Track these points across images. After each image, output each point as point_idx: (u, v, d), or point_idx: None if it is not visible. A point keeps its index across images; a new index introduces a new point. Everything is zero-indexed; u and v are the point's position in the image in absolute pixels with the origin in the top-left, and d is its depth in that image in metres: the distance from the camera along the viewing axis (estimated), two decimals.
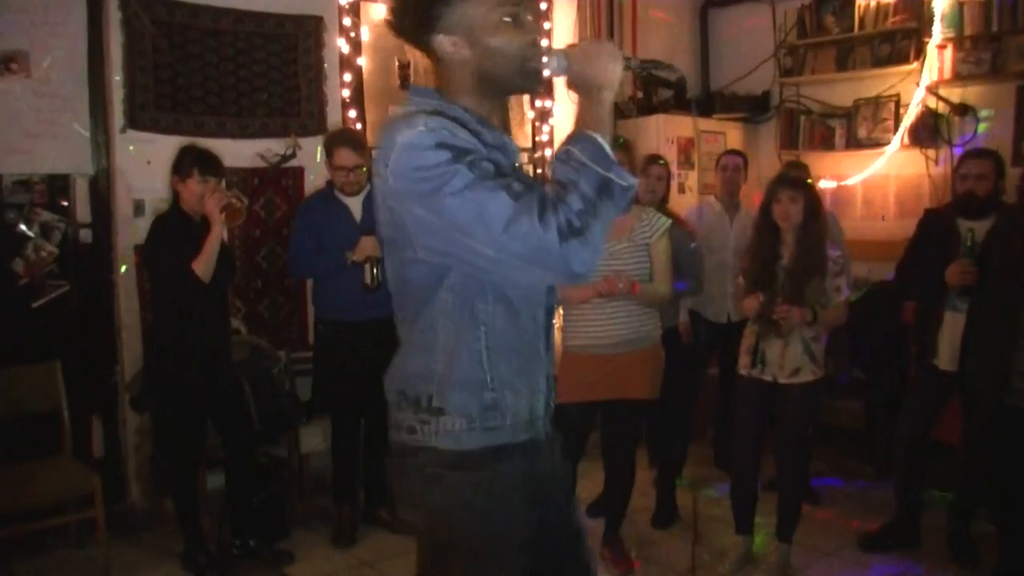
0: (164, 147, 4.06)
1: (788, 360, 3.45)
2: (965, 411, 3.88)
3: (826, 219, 3.68)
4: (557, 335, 4.87)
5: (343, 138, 4.02)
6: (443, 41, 1.65)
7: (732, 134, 6.17)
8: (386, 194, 1.60)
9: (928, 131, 5.45)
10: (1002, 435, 3.30)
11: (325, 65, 4.77)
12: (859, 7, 5.70)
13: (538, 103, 5.62)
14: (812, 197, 3.50)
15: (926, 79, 5.38)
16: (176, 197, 3.64)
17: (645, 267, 3.53)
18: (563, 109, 5.79)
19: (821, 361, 3.50)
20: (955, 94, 5.35)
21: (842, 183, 5.83)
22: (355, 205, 3.96)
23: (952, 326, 3.67)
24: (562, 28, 5.76)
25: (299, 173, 4.73)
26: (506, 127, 1.78)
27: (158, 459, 4.12)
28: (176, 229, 3.58)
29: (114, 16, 4.14)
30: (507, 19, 1.64)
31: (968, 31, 5.21)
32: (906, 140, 5.54)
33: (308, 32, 4.72)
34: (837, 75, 5.86)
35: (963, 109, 5.32)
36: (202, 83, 4.43)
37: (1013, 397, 3.20)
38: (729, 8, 6.53)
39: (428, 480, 1.70)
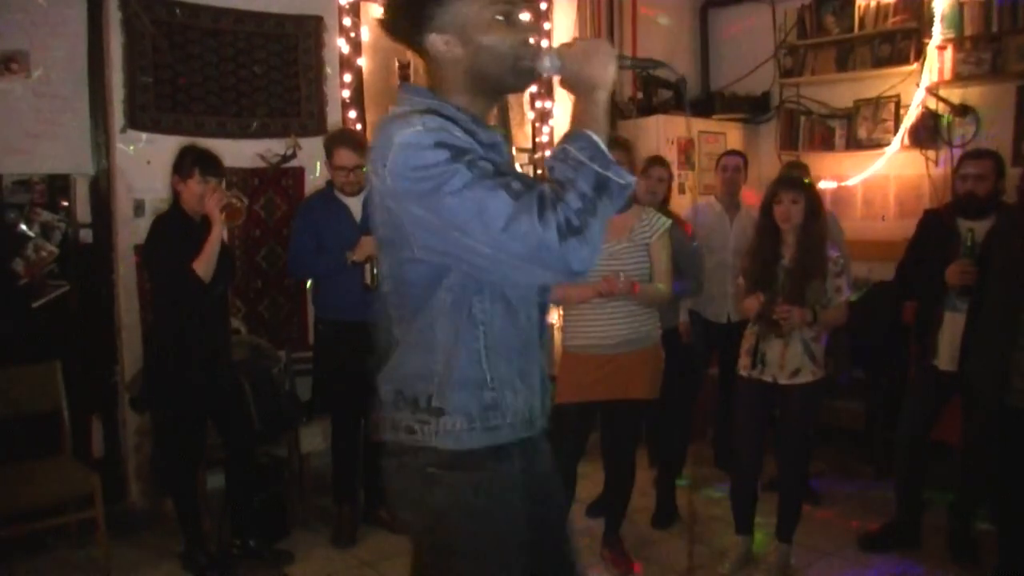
0: (164, 147, 4.07)
1: (788, 360, 3.45)
2: (965, 411, 3.89)
3: (827, 220, 3.68)
4: (557, 335, 4.88)
5: (343, 138, 4.02)
6: (435, 40, 1.64)
7: (732, 134, 6.17)
8: (383, 193, 1.59)
9: (928, 132, 5.46)
10: (1002, 435, 3.30)
11: (325, 65, 4.78)
12: (859, 7, 5.71)
13: (538, 103, 5.62)
14: (813, 198, 3.50)
15: (926, 80, 5.39)
16: (176, 197, 3.63)
17: (645, 267, 3.53)
18: (563, 110, 5.79)
19: (821, 361, 3.49)
20: (955, 95, 5.36)
21: (842, 184, 5.84)
22: (355, 205, 3.96)
23: (952, 326, 3.67)
24: (562, 28, 5.76)
25: (299, 173, 4.73)
26: (506, 125, 1.79)
27: (158, 459, 4.12)
28: (176, 229, 3.58)
29: (114, 16, 4.14)
30: (500, 17, 1.64)
31: (968, 31, 5.22)
32: (906, 141, 5.55)
33: (308, 32, 4.72)
34: (837, 75, 5.87)
35: (963, 110, 5.32)
36: (202, 83, 4.43)
37: (1013, 397, 3.19)
38: (729, 8, 6.53)
39: (427, 480, 1.70)
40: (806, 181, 3.65)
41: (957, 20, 5.24)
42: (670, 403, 3.95)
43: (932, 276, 3.67)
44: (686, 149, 5.90)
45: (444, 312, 1.65)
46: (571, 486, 3.69)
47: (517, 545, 1.78)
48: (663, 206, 4.03)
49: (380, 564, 3.82)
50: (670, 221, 3.66)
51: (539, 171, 5.44)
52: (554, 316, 5.37)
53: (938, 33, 5.30)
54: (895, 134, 5.59)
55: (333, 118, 4.79)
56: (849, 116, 5.86)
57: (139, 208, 4.26)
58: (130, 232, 4.22)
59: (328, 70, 4.78)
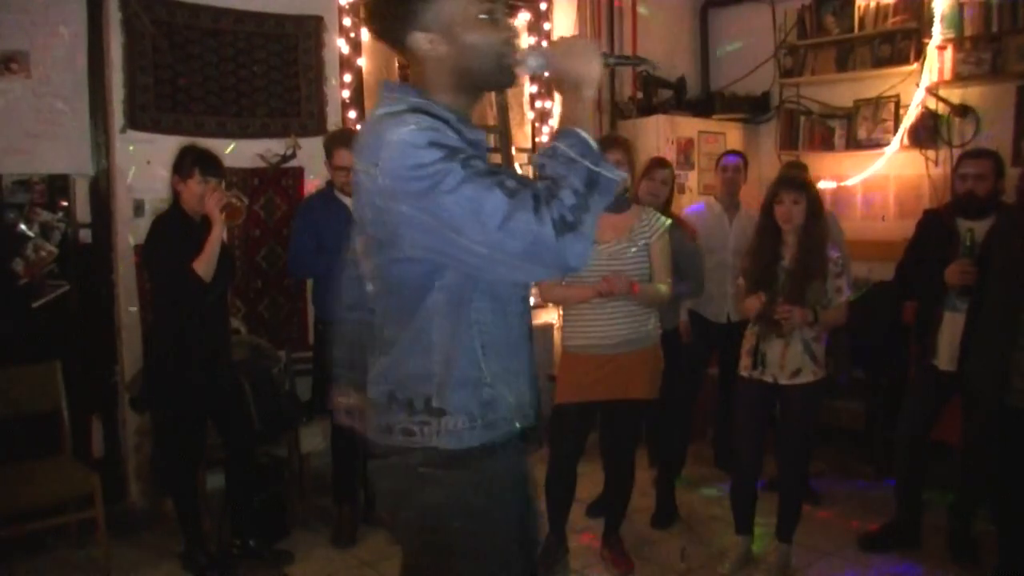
0: (164, 147, 4.06)
1: (789, 361, 3.45)
2: (965, 411, 3.89)
3: (827, 220, 3.68)
4: (557, 335, 4.87)
5: (343, 138, 4.02)
6: (420, 38, 1.64)
7: (732, 134, 6.18)
8: (373, 192, 1.58)
9: (928, 132, 5.46)
10: (1002, 435, 3.30)
11: (325, 65, 4.78)
12: (859, 7, 5.71)
13: (538, 103, 5.63)
14: (814, 198, 3.50)
15: (926, 80, 5.39)
16: (176, 197, 3.63)
17: (645, 267, 3.52)
18: None
19: (822, 361, 3.49)
20: (955, 95, 5.36)
21: (842, 184, 5.84)
22: None
23: (951, 326, 3.67)
24: (562, 28, 5.76)
25: (299, 173, 4.73)
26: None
27: (158, 459, 4.12)
28: (176, 229, 3.58)
29: (114, 16, 4.14)
30: (483, 16, 1.64)
31: (968, 32, 5.22)
32: (906, 141, 5.55)
33: (308, 32, 4.72)
34: (837, 76, 5.87)
35: (963, 110, 5.32)
36: (202, 83, 4.43)
37: (1013, 397, 3.19)
38: (729, 8, 6.54)
39: (420, 480, 1.69)
40: (807, 182, 3.65)
41: (957, 20, 5.24)
42: (670, 403, 3.96)
43: (932, 276, 3.67)
44: (686, 149, 5.91)
45: (440, 312, 1.64)
46: (571, 486, 3.69)
47: (516, 544, 1.78)
48: (665, 207, 4.02)
49: (380, 564, 3.82)
50: (669, 221, 3.66)
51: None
52: (554, 316, 5.39)
53: (938, 33, 5.30)
54: (895, 134, 5.59)
55: (333, 118, 4.79)
56: (849, 116, 5.86)
57: (139, 208, 4.26)
58: (130, 232, 4.22)
59: (328, 70, 4.79)
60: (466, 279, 1.63)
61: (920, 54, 5.40)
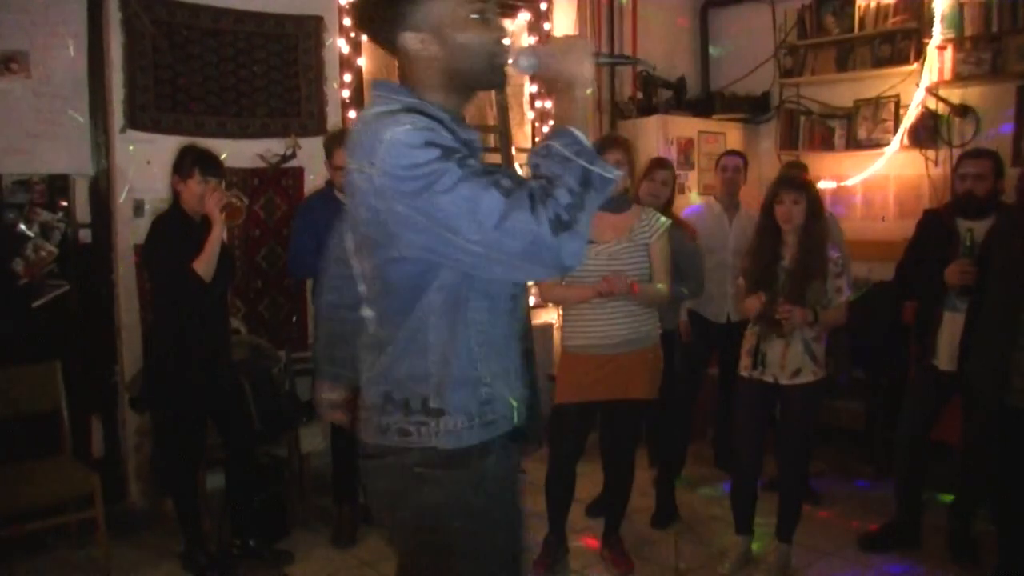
0: (164, 147, 4.06)
1: (789, 361, 3.45)
2: (965, 411, 3.89)
3: (827, 220, 3.67)
4: (557, 335, 4.86)
5: (343, 138, 4.00)
6: (410, 38, 1.64)
7: (732, 134, 6.18)
8: (368, 192, 1.57)
9: (928, 132, 5.46)
10: (1002, 435, 3.30)
11: (325, 65, 4.78)
12: (859, 7, 5.71)
13: (538, 103, 5.63)
14: (814, 198, 3.50)
15: (926, 80, 5.39)
16: (176, 197, 3.63)
17: (644, 267, 3.52)
18: None
19: (822, 361, 3.49)
20: (955, 95, 5.36)
21: (842, 184, 5.84)
22: None
23: (951, 326, 3.67)
24: (562, 28, 5.76)
25: (299, 173, 4.73)
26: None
27: (158, 459, 4.12)
28: (176, 229, 3.58)
29: (114, 16, 4.14)
30: (474, 16, 1.65)
31: (968, 32, 5.22)
32: (906, 141, 5.55)
33: (308, 32, 4.72)
34: (837, 76, 5.87)
35: (963, 110, 5.32)
36: (202, 83, 4.43)
37: (1013, 397, 3.19)
38: (729, 8, 6.54)
39: (418, 480, 1.69)
40: (808, 182, 3.64)
41: (957, 20, 5.24)
42: (670, 403, 3.96)
43: (931, 276, 3.67)
44: (686, 149, 5.91)
45: (436, 312, 1.64)
46: (571, 486, 3.69)
47: (513, 542, 1.80)
48: (666, 208, 4.01)
49: (380, 564, 3.82)
50: (669, 221, 3.66)
51: None
52: (554, 316, 5.39)
53: (938, 33, 5.30)
54: (895, 134, 5.59)
55: (333, 118, 4.79)
56: (849, 116, 5.86)
57: (139, 208, 4.26)
58: (130, 232, 4.22)
59: (328, 70, 4.79)
60: (462, 278, 1.63)
61: (920, 54, 5.40)
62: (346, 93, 4.80)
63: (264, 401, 3.93)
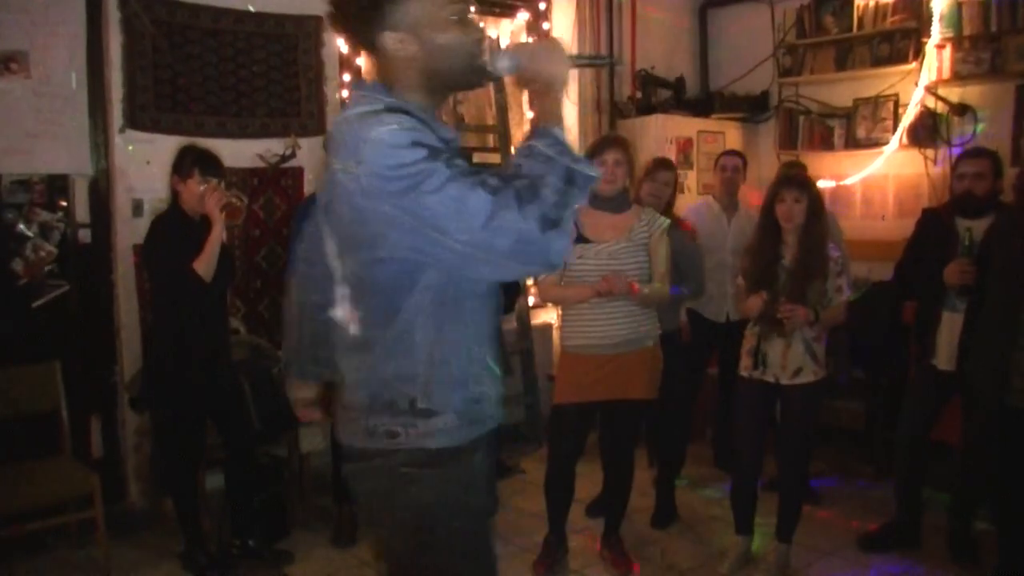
0: (164, 147, 4.06)
1: (790, 361, 3.45)
2: (965, 411, 3.89)
3: (828, 220, 3.67)
4: (556, 335, 4.85)
5: None
6: (390, 38, 1.64)
7: (731, 134, 6.18)
8: (353, 192, 1.56)
9: (927, 131, 5.45)
10: (1002, 435, 3.30)
11: (325, 65, 4.78)
12: (858, 7, 5.71)
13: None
14: (815, 197, 3.49)
15: (925, 79, 5.39)
16: (175, 197, 3.63)
17: (644, 267, 3.52)
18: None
19: (823, 361, 3.49)
20: (954, 94, 5.35)
21: (841, 183, 5.84)
22: None
23: (950, 326, 3.67)
24: (562, 28, 5.76)
25: (299, 173, 4.73)
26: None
27: (158, 459, 4.12)
28: (176, 229, 3.58)
29: (114, 16, 4.14)
30: (454, 16, 1.65)
31: (967, 31, 5.21)
32: (905, 140, 5.55)
33: (308, 32, 4.72)
34: (836, 75, 5.87)
35: (962, 109, 5.32)
36: (202, 83, 4.43)
37: (1013, 397, 3.19)
38: (728, 8, 6.53)
39: (405, 480, 1.69)
40: (808, 180, 3.64)
41: (956, 19, 5.24)
42: (670, 403, 3.96)
43: (931, 275, 3.67)
44: (685, 149, 5.91)
45: (423, 312, 1.64)
46: (570, 486, 3.69)
47: (491, 535, 1.84)
48: (667, 209, 4.01)
49: (380, 564, 3.81)
50: (668, 221, 3.65)
51: None
52: (553, 316, 5.39)
53: (937, 32, 5.29)
54: (894, 133, 5.58)
55: (333, 118, 4.78)
56: (848, 115, 5.86)
57: (138, 208, 4.26)
58: (129, 232, 4.22)
59: (328, 70, 4.79)
60: (448, 278, 1.63)
61: (919, 53, 5.40)
62: (346, 93, 4.80)
63: (264, 401, 3.92)
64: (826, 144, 5.97)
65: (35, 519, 3.60)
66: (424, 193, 1.48)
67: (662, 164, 4.17)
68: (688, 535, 4.13)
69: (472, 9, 1.70)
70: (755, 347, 3.52)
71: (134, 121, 4.23)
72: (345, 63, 4.80)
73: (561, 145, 1.57)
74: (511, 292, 4.54)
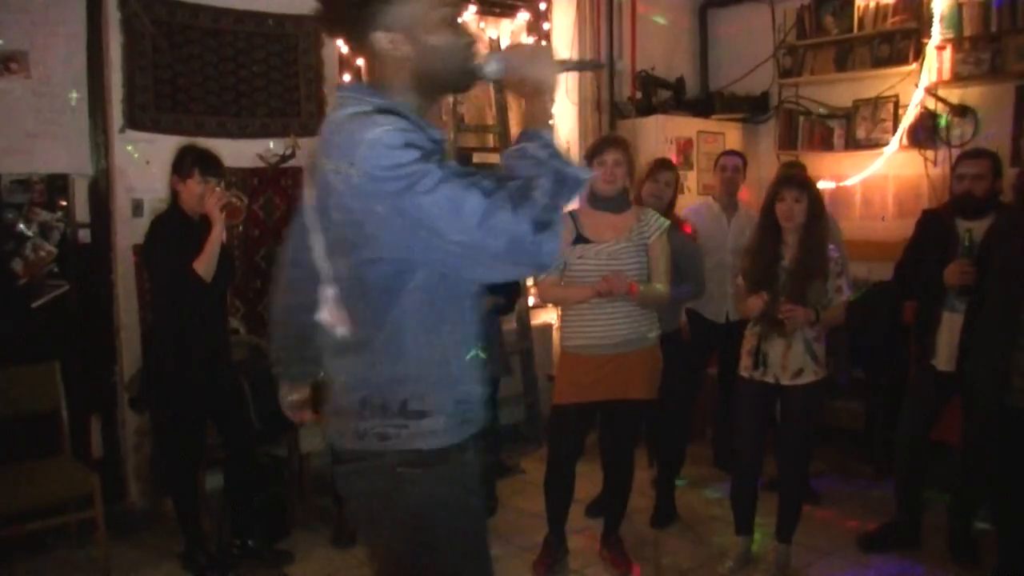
0: (163, 147, 4.06)
1: (791, 361, 3.45)
2: (965, 411, 3.89)
3: (828, 220, 3.67)
4: (556, 335, 4.84)
5: None
6: (381, 38, 1.64)
7: (731, 134, 6.19)
8: (345, 193, 1.55)
9: (927, 132, 5.46)
10: (1002, 435, 3.30)
11: (325, 65, 4.78)
12: (858, 8, 5.71)
13: None
14: (815, 197, 3.49)
15: (925, 80, 5.39)
16: (175, 197, 3.63)
17: (644, 267, 3.52)
18: (562, 110, 5.80)
19: (823, 361, 3.49)
20: (954, 95, 5.36)
21: (841, 184, 5.84)
22: None
23: (950, 326, 3.67)
24: (562, 28, 5.77)
25: (299, 173, 4.71)
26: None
27: (158, 459, 4.12)
28: (175, 229, 3.58)
29: (114, 16, 4.14)
30: (445, 19, 1.66)
31: (967, 32, 5.22)
32: (905, 141, 5.56)
33: (308, 32, 4.72)
34: (836, 76, 5.88)
35: (962, 110, 5.33)
36: (202, 83, 4.43)
37: (1013, 397, 3.19)
38: (728, 8, 6.54)
39: (399, 480, 1.69)
40: (809, 180, 3.64)
41: (956, 20, 5.24)
42: (670, 403, 3.95)
43: (931, 276, 3.67)
44: (685, 149, 5.92)
45: (414, 313, 1.64)
46: (570, 486, 3.69)
47: (486, 532, 1.86)
48: (668, 210, 4.01)
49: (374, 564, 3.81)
50: (668, 222, 3.65)
51: None
52: (553, 316, 5.39)
53: (937, 33, 5.30)
54: (894, 134, 5.59)
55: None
56: (848, 116, 5.86)
57: (138, 208, 4.26)
58: (129, 232, 4.21)
59: (328, 70, 4.78)
60: (438, 279, 1.63)
61: (919, 54, 5.41)
62: None
63: (264, 401, 3.92)
64: (826, 145, 5.97)
65: (35, 519, 3.60)
66: (418, 194, 1.48)
67: (664, 165, 4.17)
68: (688, 535, 4.13)
69: (462, 13, 1.71)
70: (755, 347, 3.52)
71: (134, 121, 4.23)
72: (345, 63, 4.80)
73: (551, 148, 1.58)
74: (511, 292, 4.54)
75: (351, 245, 1.62)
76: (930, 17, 5.31)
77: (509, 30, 5.67)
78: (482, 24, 5.52)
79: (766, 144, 6.34)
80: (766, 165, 6.18)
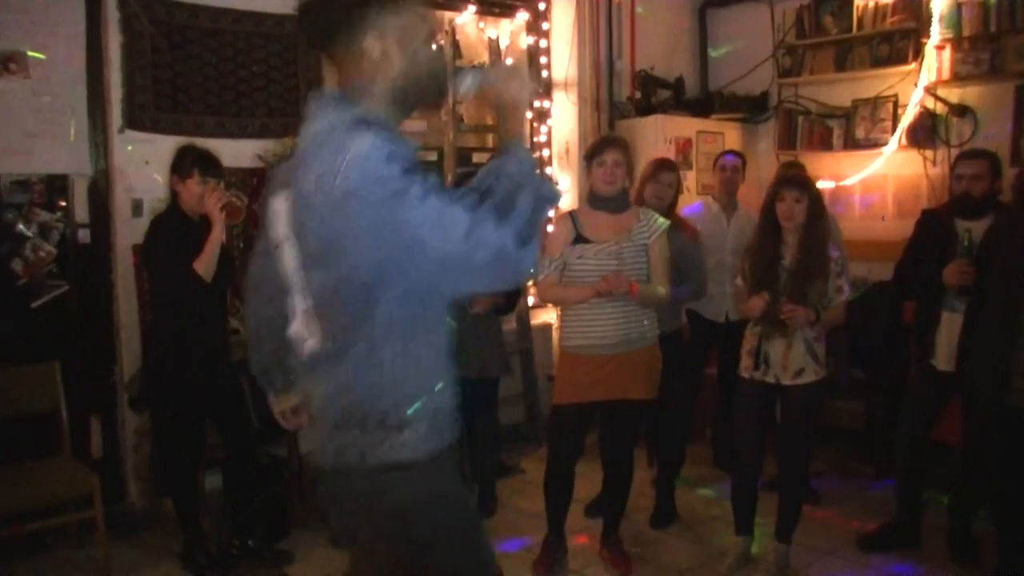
0: (163, 147, 4.05)
1: (792, 361, 3.45)
2: (965, 411, 3.89)
3: (828, 220, 3.67)
4: (555, 335, 4.84)
5: None
6: (373, 44, 1.64)
7: (730, 134, 6.19)
8: (325, 203, 1.54)
9: (926, 131, 5.46)
10: (1002, 435, 3.30)
11: (324, 65, 4.76)
12: (858, 7, 5.71)
13: (537, 103, 5.62)
14: (815, 197, 3.49)
15: (924, 79, 5.39)
16: (175, 197, 3.63)
17: (643, 268, 3.52)
18: (561, 110, 5.81)
19: (823, 361, 3.49)
20: (953, 94, 5.36)
21: (840, 183, 5.84)
22: None
23: (949, 326, 3.67)
24: (561, 28, 5.76)
25: None
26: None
27: (158, 459, 4.12)
28: (175, 229, 3.58)
29: (113, 16, 4.14)
30: (427, 35, 1.71)
31: (966, 31, 5.22)
32: (904, 141, 5.55)
33: None
34: (835, 75, 5.88)
35: (961, 110, 5.33)
36: (201, 83, 4.42)
37: (1013, 397, 3.19)
38: (728, 8, 6.54)
39: (382, 486, 1.68)
40: (809, 180, 3.64)
41: (955, 20, 5.24)
42: (669, 403, 3.96)
43: (930, 276, 3.67)
44: (685, 149, 5.92)
45: (390, 325, 1.62)
46: (569, 486, 3.69)
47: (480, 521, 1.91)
48: (669, 210, 4.00)
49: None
50: (668, 222, 3.65)
51: (538, 171, 5.43)
52: (552, 316, 5.39)
53: (936, 33, 5.30)
54: (893, 134, 5.59)
55: None
56: (847, 116, 5.86)
57: (137, 208, 4.25)
58: (129, 232, 4.21)
59: (327, 70, 4.77)
60: (415, 291, 1.62)
61: (918, 54, 5.41)
62: None
63: (263, 401, 3.89)
64: (825, 145, 5.97)
65: (35, 519, 3.60)
66: (405, 206, 1.49)
67: (665, 165, 4.16)
68: (688, 535, 4.13)
69: (436, 35, 1.77)
70: (756, 347, 3.52)
71: (133, 121, 4.23)
72: None
73: (528, 163, 1.66)
74: (511, 292, 4.54)
75: (329, 257, 1.60)
76: (929, 17, 5.31)
77: (509, 30, 5.67)
78: (482, 24, 5.52)
79: (765, 144, 6.34)
80: (765, 165, 6.18)
